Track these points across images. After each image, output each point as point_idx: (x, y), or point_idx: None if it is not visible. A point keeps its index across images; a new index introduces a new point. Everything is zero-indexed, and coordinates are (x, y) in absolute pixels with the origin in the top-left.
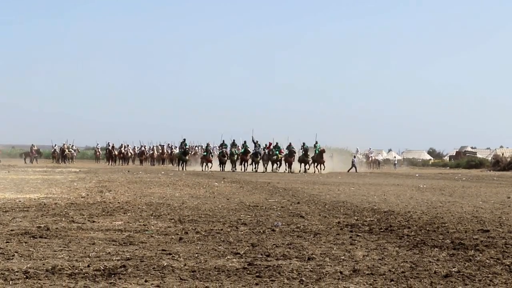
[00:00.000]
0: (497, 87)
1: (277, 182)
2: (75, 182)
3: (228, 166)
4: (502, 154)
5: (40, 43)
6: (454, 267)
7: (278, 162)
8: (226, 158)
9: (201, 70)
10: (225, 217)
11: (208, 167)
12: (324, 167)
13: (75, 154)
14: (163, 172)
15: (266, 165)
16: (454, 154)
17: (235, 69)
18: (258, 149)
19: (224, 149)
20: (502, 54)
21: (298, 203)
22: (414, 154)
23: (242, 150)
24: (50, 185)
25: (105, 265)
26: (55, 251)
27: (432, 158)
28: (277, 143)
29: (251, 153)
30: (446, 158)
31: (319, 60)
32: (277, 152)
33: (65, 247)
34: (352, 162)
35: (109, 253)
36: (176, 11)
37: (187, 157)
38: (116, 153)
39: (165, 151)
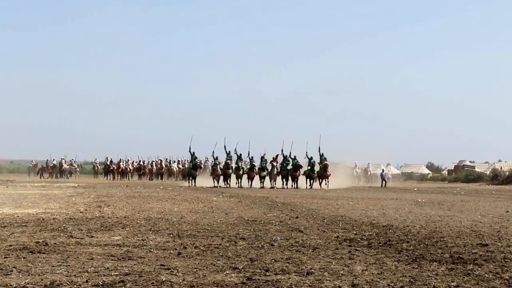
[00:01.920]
0: (496, 101)
1: (276, 196)
2: (73, 197)
3: (232, 181)
4: (501, 168)
5: (36, 55)
6: (453, 282)
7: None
8: (230, 171)
9: (200, 83)
10: (224, 232)
11: (217, 180)
12: (328, 181)
13: (78, 169)
14: (161, 187)
15: (274, 181)
16: (452, 168)
17: (232, 82)
18: (265, 163)
19: (228, 160)
20: (501, 69)
21: (297, 217)
22: (412, 168)
23: (249, 166)
24: (49, 200)
25: (103, 280)
26: (53, 266)
27: (430, 172)
28: (285, 156)
29: (257, 168)
30: (445, 172)
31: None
32: (287, 167)
33: (63, 262)
34: (381, 176)
35: (107, 268)
36: (173, 26)
37: (197, 172)
38: (115, 167)
39: (163, 165)
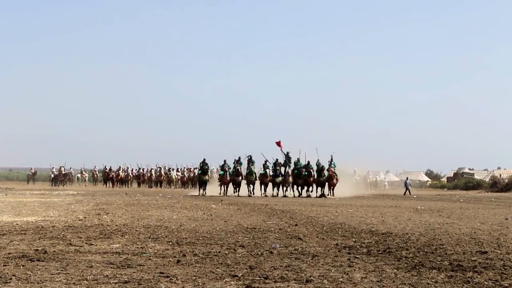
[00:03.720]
0: (496, 108)
1: (275, 204)
2: (72, 205)
3: (242, 189)
4: (500, 175)
5: (34, 64)
6: None
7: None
8: (241, 178)
9: (200, 91)
10: (223, 240)
11: (223, 189)
12: (333, 190)
13: (86, 177)
14: (160, 195)
15: (286, 188)
16: (451, 175)
17: (233, 87)
18: (279, 168)
19: (238, 167)
20: (501, 75)
21: (296, 225)
22: (411, 176)
23: (262, 171)
24: (48, 208)
25: None
26: (52, 274)
27: (429, 180)
28: (298, 161)
29: (271, 175)
30: (444, 180)
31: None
32: (305, 173)
33: (62, 270)
34: (405, 184)
35: (106, 276)
36: (173, 34)
37: (206, 177)
38: (114, 175)
39: (162, 173)
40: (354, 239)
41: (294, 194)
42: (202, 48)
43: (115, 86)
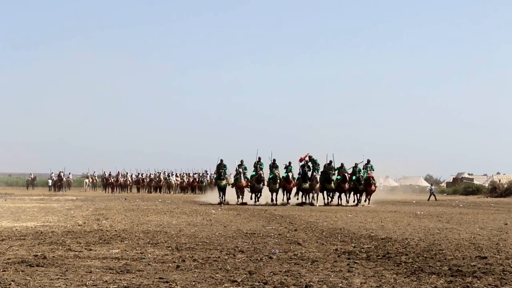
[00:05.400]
0: (495, 114)
1: (274, 209)
2: (72, 210)
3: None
4: (499, 180)
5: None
6: None
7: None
8: (262, 185)
9: (198, 93)
10: (222, 245)
11: (240, 194)
12: (369, 198)
13: (96, 181)
14: (160, 200)
15: (312, 195)
16: (451, 180)
17: (230, 91)
18: (308, 170)
19: (260, 171)
20: (501, 79)
21: (295, 230)
22: (411, 181)
23: (284, 174)
24: (47, 213)
25: None
26: (52, 279)
27: (429, 185)
28: (330, 161)
29: (296, 179)
30: (443, 185)
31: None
32: (334, 178)
33: (62, 276)
34: (430, 190)
35: (106, 281)
36: (168, 43)
37: (224, 182)
38: (113, 181)
39: (162, 178)
40: (353, 244)
41: (324, 202)
42: (203, 51)
43: (114, 92)
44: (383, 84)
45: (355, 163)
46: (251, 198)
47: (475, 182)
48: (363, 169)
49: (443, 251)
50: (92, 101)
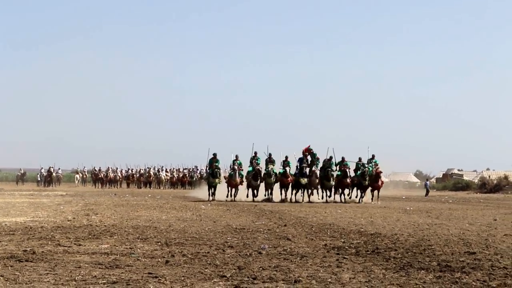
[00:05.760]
0: (484, 110)
1: (264, 204)
2: (61, 205)
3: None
4: (489, 176)
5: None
6: None
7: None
8: (259, 181)
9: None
10: (212, 240)
11: (233, 192)
12: (378, 194)
13: (86, 176)
14: (150, 195)
15: (311, 191)
16: (440, 176)
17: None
18: (305, 165)
19: (257, 166)
20: (491, 76)
21: (285, 225)
22: (400, 177)
23: (281, 170)
24: (37, 209)
25: None
26: (41, 274)
27: (419, 181)
28: (330, 157)
29: (293, 174)
30: (433, 181)
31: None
32: (333, 173)
33: (51, 271)
34: (425, 185)
35: (95, 276)
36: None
37: (216, 180)
38: (103, 176)
39: (152, 174)
40: (343, 240)
41: (326, 199)
42: (198, 48)
43: (103, 87)
44: (373, 81)
45: (359, 158)
46: (247, 196)
47: (465, 178)
48: (367, 164)
49: (432, 247)
50: (92, 101)
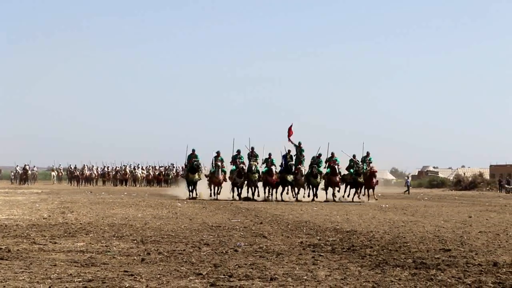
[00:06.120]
0: (459, 108)
1: (240, 202)
2: (37, 203)
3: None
4: (464, 174)
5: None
6: (415, 287)
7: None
8: (243, 179)
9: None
10: (188, 238)
11: (216, 190)
12: (373, 192)
13: (61, 174)
14: (125, 193)
15: (298, 190)
16: (416, 173)
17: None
18: (291, 162)
19: (240, 164)
20: (464, 76)
21: (261, 223)
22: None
23: (265, 168)
24: (12, 206)
25: (66, 287)
26: (16, 273)
27: (394, 178)
28: (319, 154)
29: (279, 171)
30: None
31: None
32: (319, 169)
33: (26, 269)
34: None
35: (70, 274)
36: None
37: (196, 176)
38: (79, 174)
39: (128, 171)
40: (318, 237)
41: (313, 197)
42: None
43: (79, 83)
44: (346, 77)
45: (353, 155)
46: (232, 197)
47: (440, 175)
48: (361, 162)
49: (408, 244)
50: (70, 98)
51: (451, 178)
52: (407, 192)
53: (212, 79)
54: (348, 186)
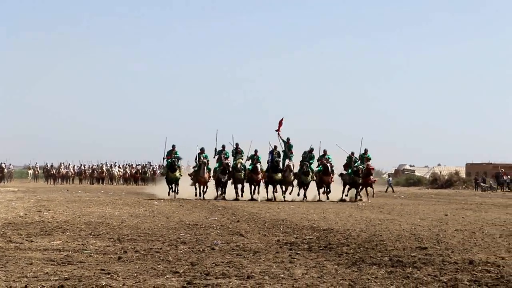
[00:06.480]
0: (436, 106)
1: (217, 200)
2: (13, 202)
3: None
4: (440, 172)
5: None
6: (392, 285)
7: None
8: (227, 177)
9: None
10: (165, 236)
11: (201, 189)
12: (373, 191)
13: (38, 172)
14: (102, 191)
15: (286, 188)
16: (392, 172)
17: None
18: (278, 160)
19: (225, 161)
20: (439, 75)
21: (238, 221)
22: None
23: (250, 165)
24: None
25: (42, 285)
26: None
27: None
28: (312, 149)
29: (267, 169)
30: (385, 176)
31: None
32: (320, 168)
33: (2, 267)
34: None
35: (47, 273)
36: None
37: (176, 174)
38: (55, 172)
39: (104, 170)
40: (295, 236)
41: (303, 198)
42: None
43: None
44: (327, 77)
45: (352, 152)
46: (217, 197)
47: (417, 173)
48: (359, 160)
49: (384, 242)
50: (35, 89)
51: (428, 176)
52: (392, 190)
53: (212, 79)
54: (347, 187)
